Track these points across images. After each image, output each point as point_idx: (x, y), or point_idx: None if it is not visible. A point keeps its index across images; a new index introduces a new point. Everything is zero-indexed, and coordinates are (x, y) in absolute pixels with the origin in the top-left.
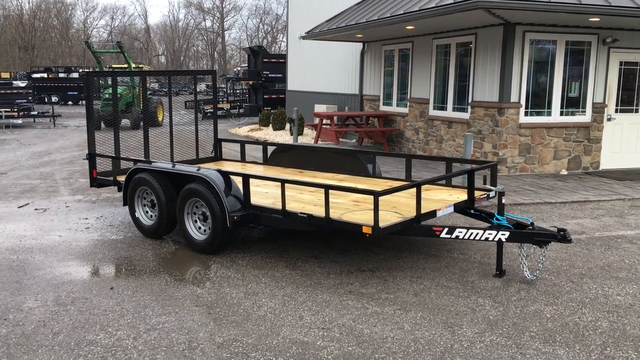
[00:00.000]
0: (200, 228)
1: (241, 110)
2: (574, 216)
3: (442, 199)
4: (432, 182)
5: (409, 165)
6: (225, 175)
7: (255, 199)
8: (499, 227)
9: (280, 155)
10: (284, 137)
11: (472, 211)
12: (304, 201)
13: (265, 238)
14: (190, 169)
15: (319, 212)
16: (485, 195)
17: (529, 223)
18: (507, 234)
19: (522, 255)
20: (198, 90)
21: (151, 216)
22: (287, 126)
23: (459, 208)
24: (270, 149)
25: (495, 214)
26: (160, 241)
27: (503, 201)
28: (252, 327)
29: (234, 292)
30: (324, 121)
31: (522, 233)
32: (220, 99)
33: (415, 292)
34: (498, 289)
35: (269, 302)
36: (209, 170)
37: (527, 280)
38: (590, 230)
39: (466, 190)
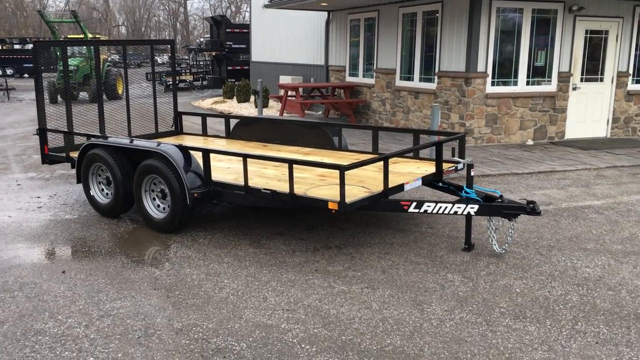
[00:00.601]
0: (159, 206)
1: (205, 83)
2: (540, 187)
3: (410, 172)
4: (400, 154)
5: (375, 137)
6: (185, 150)
7: (216, 175)
8: (467, 201)
9: (244, 129)
10: (248, 109)
11: (441, 184)
12: (268, 176)
13: (228, 215)
14: (147, 144)
15: (283, 187)
16: (454, 168)
17: (498, 196)
18: (476, 207)
19: (491, 229)
20: (161, 62)
21: (107, 194)
22: (252, 98)
23: (427, 181)
24: (234, 122)
25: (464, 187)
26: (117, 220)
27: (472, 174)
28: (213, 310)
29: (194, 273)
30: (289, 93)
31: (491, 206)
32: (183, 71)
33: (383, 268)
34: (467, 264)
35: (232, 283)
36: (166, 145)
37: (496, 254)
38: (558, 200)
39: (434, 162)
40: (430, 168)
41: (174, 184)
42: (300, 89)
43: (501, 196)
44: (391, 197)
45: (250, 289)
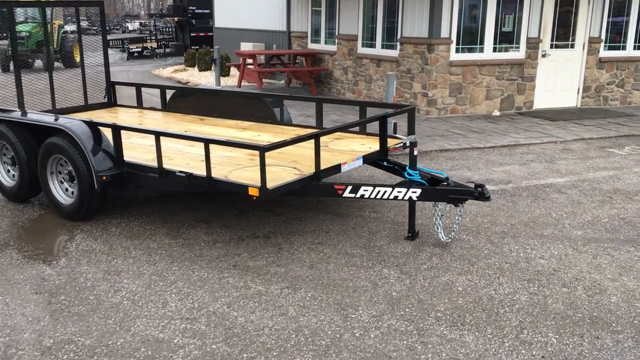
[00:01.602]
0: (67, 190)
1: (167, 50)
2: (502, 162)
3: (352, 150)
4: (334, 131)
5: (319, 110)
6: (93, 126)
7: (132, 155)
8: (410, 184)
9: (181, 100)
10: (209, 78)
11: (386, 163)
12: (192, 156)
13: (153, 199)
14: (44, 118)
15: (204, 169)
16: (401, 145)
17: (444, 178)
18: (419, 191)
19: (437, 215)
20: (131, 28)
21: (13, 175)
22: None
23: (371, 160)
24: (170, 93)
25: (407, 168)
26: (24, 205)
27: (415, 153)
28: (99, 320)
29: (91, 271)
30: (248, 61)
31: (436, 190)
32: (147, 38)
33: (311, 263)
34: (408, 256)
35: (131, 284)
36: (71, 120)
37: (441, 243)
38: (518, 178)
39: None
40: (375, 145)
41: (79, 165)
42: (259, 57)
43: (447, 178)
44: (325, 180)
45: (150, 292)
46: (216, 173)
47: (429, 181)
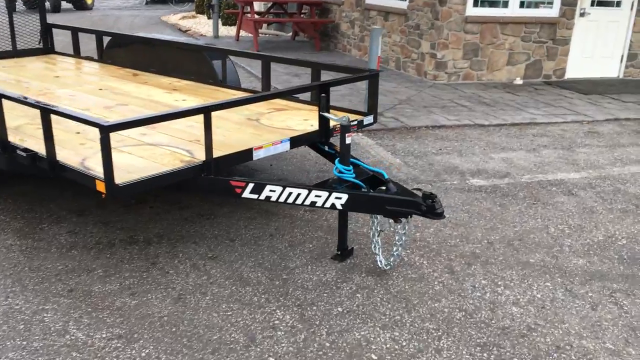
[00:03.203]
0: None
1: None
2: (505, 146)
3: (286, 127)
4: (232, 104)
5: (266, 71)
6: None
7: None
8: (331, 187)
9: (117, 51)
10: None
11: (327, 148)
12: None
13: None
14: None
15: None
16: (355, 122)
17: (385, 180)
18: (345, 197)
19: (375, 230)
20: None
21: None
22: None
23: (310, 142)
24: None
25: (336, 163)
26: None
27: (347, 141)
28: None
29: None
30: (248, 9)
31: (369, 198)
32: None
33: (180, 293)
34: (323, 288)
35: None
36: None
37: (378, 270)
38: (519, 170)
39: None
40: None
41: None
42: (257, 4)
43: (388, 181)
44: (222, 176)
45: None
46: (80, 154)
47: (369, 182)
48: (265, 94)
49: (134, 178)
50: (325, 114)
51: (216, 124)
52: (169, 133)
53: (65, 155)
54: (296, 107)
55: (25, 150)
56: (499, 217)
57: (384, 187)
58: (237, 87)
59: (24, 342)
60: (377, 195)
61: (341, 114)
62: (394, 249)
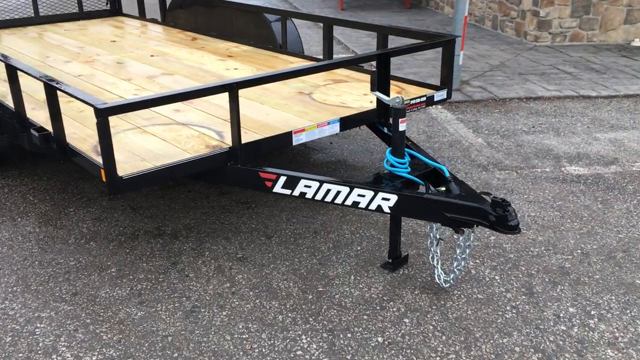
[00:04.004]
0: None
1: None
2: (614, 125)
3: (341, 104)
4: (251, 84)
5: (328, 35)
6: None
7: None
8: (378, 184)
9: (179, 12)
10: None
11: (386, 130)
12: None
13: None
14: None
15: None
16: (420, 101)
17: (446, 178)
18: (394, 199)
19: (433, 238)
20: None
21: None
22: None
23: (367, 122)
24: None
25: (387, 154)
26: None
27: (401, 127)
28: None
29: None
30: None
31: (422, 201)
32: None
33: (192, 307)
34: (363, 308)
35: None
36: None
37: (435, 287)
38: (630, 156)
39: (421, 88)
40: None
41: None
42: None
43: (450, 180)
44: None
45: None
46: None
47: (430, 179)
48: (299, 69)
49: (144, 168)
50: (376, 93)
51: (261, 99)
52: (206, 109)
53: (82, 136)
54: (358, 78)
55: (39, 129)
56: (600, 218)
57: (443, 188)
58: (298, 54)
59: None
60: (434, 199)
61: (411, 88)
62: (455, 264)
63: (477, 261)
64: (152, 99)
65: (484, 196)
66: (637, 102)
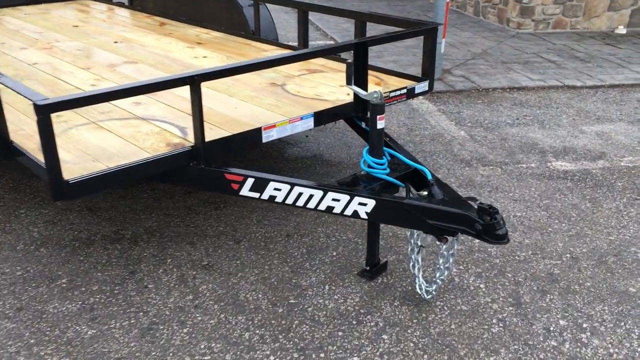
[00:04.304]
0: None
1: None
2: (600, 117)
3: (315, 97)
4: (226, 72)
5: (303, 22)
6: None
7: None
8: (354, 187)
9: None
10: None
11: (364, 125)
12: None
13: None
14: None
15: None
16: (400, 93)
17: (428, 182)
18: (371, 204)
19: (414, 245)
20: None
21: None
22: None
23: (344, 117)
24: None
25: (364, 154)
26: None
27: (379, 125)
28: None
29: None
30: None
31: (402, 207)
32: None
33: (142, 331)
34: (338, 323)
35: None
36: None
37: (417, 298)
38: (618, 150)
39: (401, 79)
40: (374, 87)
41: None
42: None
43: (433, 184)
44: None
45: None
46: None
47: (408, 180)
48: (268, 60)
49: (94, 170)
50: (352, 87)
51: (230, 90)
52: (170, 102)
53: (31, 132)
54: (335, 68)
55: None
56: (589, 218)
57: (425, 192)
58: (272, 42)
59: None
60: (414, 204)
61: (390, 80)
62: (437, 274)
63: (461, 267)
64: (98, 95)
65: (469, 202)
66: (623, 92)
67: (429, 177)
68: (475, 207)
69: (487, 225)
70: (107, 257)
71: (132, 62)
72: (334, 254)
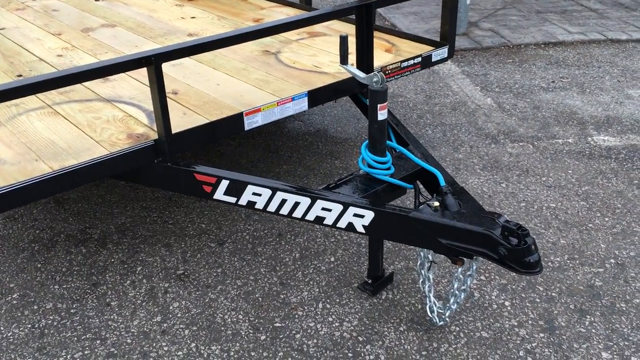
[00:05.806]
0: None
1: None
2: None
3: (313, 69)
4: (192, 49)
5: None
6: None
7: None
8: (346, 195)
9: None
10: None
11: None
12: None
13: None
14: None
15: None
16: (415, 61)
17: (442, 189)
18: (369, 217)
19: (424, 260)
20: None
21: None
22: None
23: (346, 94)
24: None
25: (362, 150)
26: None
27: (381, 116)
28: None
29: None
30: None
31: (407, 222)
32: None
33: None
34: (330, 356)
35: None
36: None
37: (427, 321)
38: None
39: (416, 43)
40: (385, 57)
41: None
42: None
43: (446, 192)
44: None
45: None
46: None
47: (418, 178)
48: (260, 28)
49: (33, 174)
50: (347, 67)
51: (215, 61)
52: (142, 79)
53: None
54: (341, 30)
55: None
56: (637, 210)
57: (437, 203)
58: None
59: None
60: (423, 219)
61: (403, 44)
62: (452, 299)
63: (482, 278)
64: (22, 86)
65: (490, 215)
66: None
67: (442, 182)
68: (500, 224)
69: (515, 251)
70: (69, 264)
71: (110, 25)
72: (332, 259)
